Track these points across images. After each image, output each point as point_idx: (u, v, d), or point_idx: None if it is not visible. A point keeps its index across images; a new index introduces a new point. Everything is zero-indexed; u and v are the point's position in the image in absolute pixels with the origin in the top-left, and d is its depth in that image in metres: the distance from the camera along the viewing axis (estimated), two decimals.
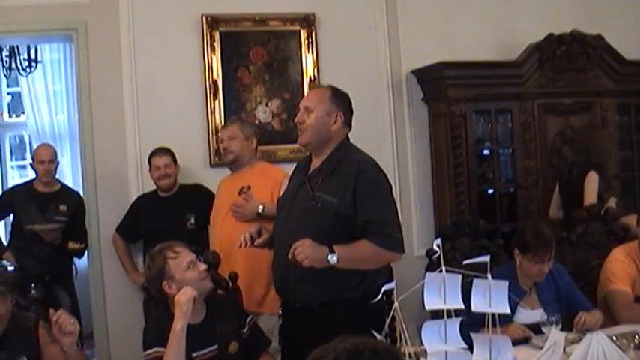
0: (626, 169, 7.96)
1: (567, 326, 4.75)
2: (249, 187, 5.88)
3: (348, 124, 4.59)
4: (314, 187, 4.44)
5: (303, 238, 4.20)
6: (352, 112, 4.62)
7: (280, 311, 4.70)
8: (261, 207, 5.74)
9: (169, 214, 6.59)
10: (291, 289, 4.47)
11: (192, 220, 6.64)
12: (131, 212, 6.88)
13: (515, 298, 4.22)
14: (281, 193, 5.48)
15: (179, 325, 4.11)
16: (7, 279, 4.32)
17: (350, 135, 4.61)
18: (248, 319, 4.55)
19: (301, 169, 4.69)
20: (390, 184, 4.53)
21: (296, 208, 4.51)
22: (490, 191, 7.64)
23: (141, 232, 6.81)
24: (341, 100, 4.57)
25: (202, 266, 4.42)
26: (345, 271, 4.24)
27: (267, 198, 5.81)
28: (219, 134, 6.51)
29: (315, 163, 4.57)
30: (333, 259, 4.17)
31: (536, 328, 4.74)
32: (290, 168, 5.00)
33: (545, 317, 4.70)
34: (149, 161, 6.76)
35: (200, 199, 6.67)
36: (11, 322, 4.24)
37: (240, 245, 4.71)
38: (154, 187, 6.79)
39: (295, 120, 4.63)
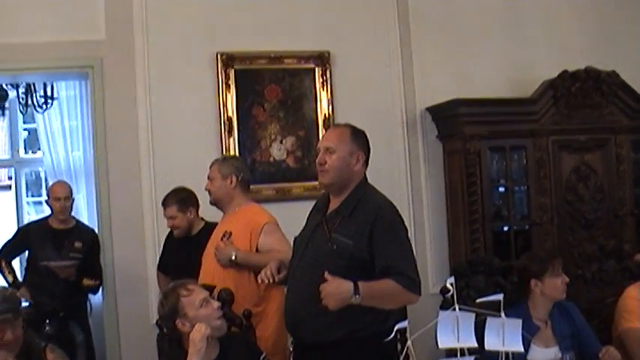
0: None
1: None
2: (230, 234, 5.65)
3: (366, 162, 4.59)
4: (331, 229, 4.42)
5: (318, 278, 4.18)
6: (370, 151, 4.62)
7: (291, 349, 4.69)
8: (234, 254, 5.49)
9: (188, 254, 6.47)
10: (302, 326, 4.45)
11: None
12: (163, 247, 6.88)
13: (528, 335, 4.21)
14: (259, 240, 5.54)
15: None
16: (17, 303, 4.33)
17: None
18: (262, 357, 4.54)
19: (319, 208, 4.67)
20: (406, 227, 4.53)
21: (312, 248, 4.49)
22: (505, 228, 7.60)
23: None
24: (360, 139, 4.57)
25: (215, 304, 4.42)
26: (356, 310, 4.21)
27: (245, 245, 5.59)
28: None
29: (334, 203, 4.55)
30: (356, 299, 4.13)
31: None
32: (305, 205, 4.95)
33: (560, 355, 4.69)
34: None
35: None
36: (23, 348, 4.24)
37: (262, 282, 4.72)
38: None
39: (317, 161, 4.57)
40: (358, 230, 4.34)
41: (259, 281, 4.77)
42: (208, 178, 5.92)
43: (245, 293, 5.43)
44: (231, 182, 5.84)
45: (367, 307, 4.23)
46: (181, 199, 6.59)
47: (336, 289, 4.14)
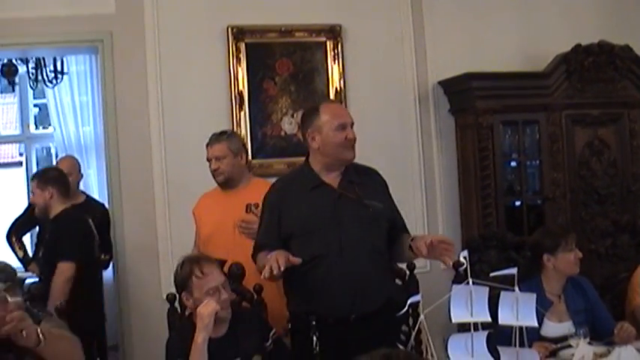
0: None
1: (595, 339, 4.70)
2: (257, 205, 5.34)
3: None
4: (359, 196, 4.47)
5: (371, 246, 4.43)
6: None
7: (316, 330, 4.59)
8: None
9: (42, 238, 6.46)
10: (364, 298, 4.39)
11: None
12: None
13: (542, 310, 4.18)
14: None
15: (200, 338, 4.12)
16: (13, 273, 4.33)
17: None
18: (272, 333, 4.50)
19: (313, 186, 4.57)
20: None
21: (349, 220, 4.45)
22: (517, 203, 7.54)
23: None
24: None
25: (225, 296, 4.35)
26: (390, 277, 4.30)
27: None
28: (207, 152, 5.86)
29: (333, 176, 4.56)
30: None
31: (563, 342, 4.69)
32: None
33: (573, 330, 4.66)
34: None
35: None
36: None
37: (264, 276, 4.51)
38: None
39: (348, 137, 4.49)
40: (377, 194, 4.56)
41: (262, 276, 4.39)
42: (215, 158, 5.74)
43: None
44: (242, 157, 5.81)
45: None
46: (46, 176, 6.26)
47: None
